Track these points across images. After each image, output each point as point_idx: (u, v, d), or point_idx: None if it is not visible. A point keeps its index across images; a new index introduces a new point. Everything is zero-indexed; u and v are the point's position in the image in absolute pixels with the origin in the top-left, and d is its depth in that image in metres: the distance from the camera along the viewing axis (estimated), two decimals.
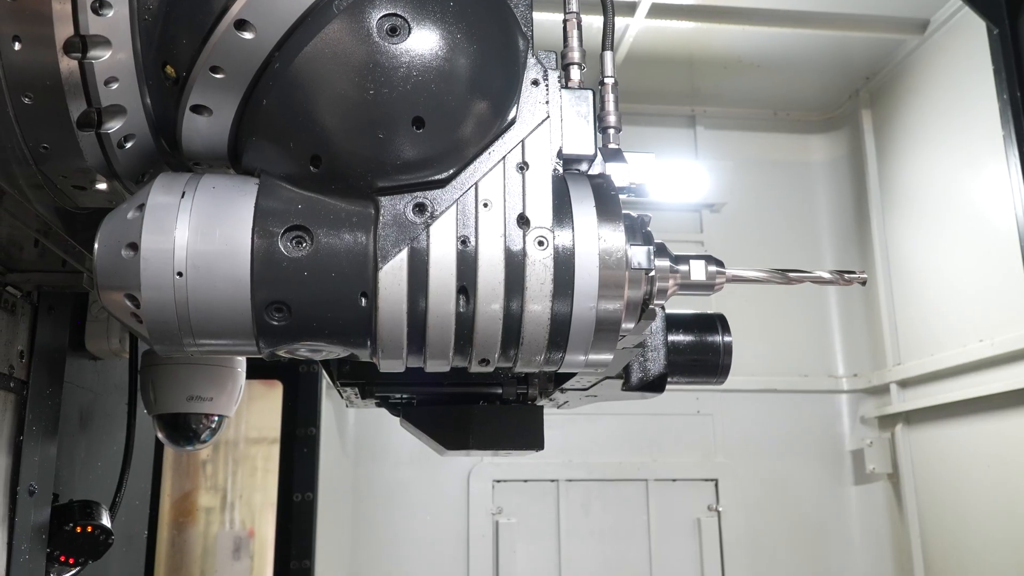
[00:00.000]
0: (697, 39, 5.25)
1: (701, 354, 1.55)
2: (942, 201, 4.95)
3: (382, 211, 1.02)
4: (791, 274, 1.27)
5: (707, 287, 1.21)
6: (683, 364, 1.54)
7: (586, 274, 1.04)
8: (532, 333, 1.05)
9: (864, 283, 1.31)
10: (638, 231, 1.10)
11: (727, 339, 1.56)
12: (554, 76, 1.13)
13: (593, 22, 1.43)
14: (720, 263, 1.22)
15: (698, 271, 1.20)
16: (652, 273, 1.11)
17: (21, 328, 1.79)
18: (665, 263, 1.16)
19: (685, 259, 1.20)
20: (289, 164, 1.05)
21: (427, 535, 5.26)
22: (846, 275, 1.28)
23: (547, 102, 1.11)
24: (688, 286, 1.20)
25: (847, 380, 5.78)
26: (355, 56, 1.01)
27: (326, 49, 1.01)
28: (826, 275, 1.28)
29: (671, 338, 1.54)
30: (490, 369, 1.11)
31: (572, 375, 1.50)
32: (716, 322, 1.57)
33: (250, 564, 4.03)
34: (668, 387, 1.55)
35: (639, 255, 1.06)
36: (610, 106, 1.29)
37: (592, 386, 1.55)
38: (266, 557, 3.77)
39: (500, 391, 1.63)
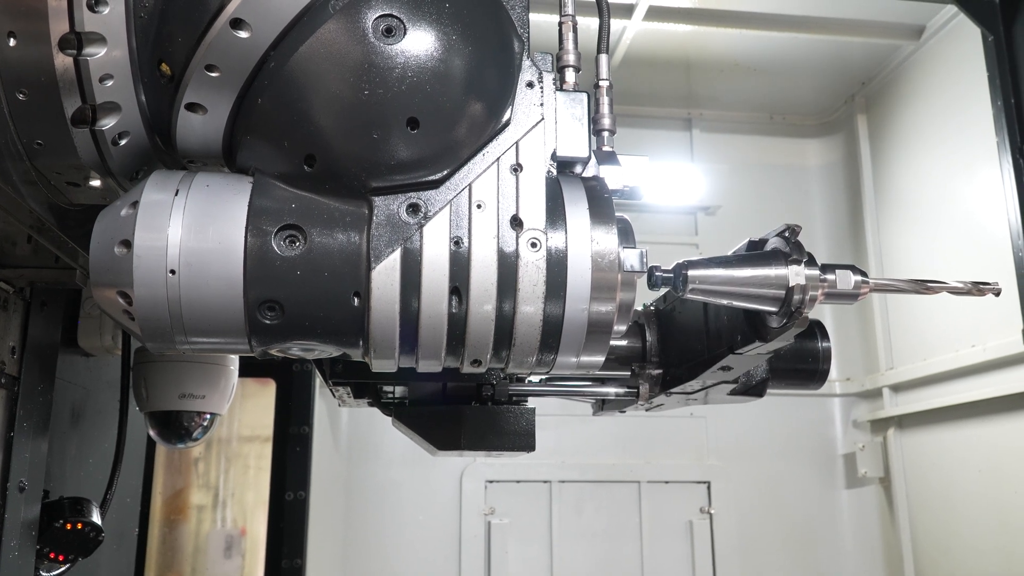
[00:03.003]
0: (694, 42, 5.26)
1: (801, 361, 1.55)
2: (936, 206, 4.96)
3: (376, 211, 1.02)
4: (930, 284, 1.27)
5: (852, 296, 1.20)
6: (784, 370, 1.54)
7: (579, 276, 1.04)
8: (524, 334, 1.06)
9: (998, 294, 1.30)
10: (631, 234, 1.11)
11: (826, 345, 1.55)
12: (549, 78, 1.13)
13: (590, 24, 1.44)
14: (864, 273, 1.21)
15: (844, 281, 1.19)
16: (803, 283, 1.12)
17: (13, 324, 1.79)
18: (815, 272, 1.15)
19: (832, 268, 1.19)
20: (283, 163, 1.05)
21: (419, 535, 5.26)
22: (980, 286, 1.28)
23: (542, 104, 1.12)
24: (834, 295, 1.19)
25: (840, 384, 5.80)
26: (350, 56, 1.01)
27: (322, 49, 1.01)
28: (961, 286, 1.27)
29: None
30: (482, 370, 1.11)
31: (680, 379, 1.51)
32: (815, 329, 1.57)
33: (241, 562, 4.02)
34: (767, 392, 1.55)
35: (631, 258, 1.07)
36: (605, 109, 1.29)
37: (701, 390, 1.55)
38: (258, 555, 3.76)
39: (612, 393, 1.64)
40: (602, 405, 1.77)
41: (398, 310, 1.01)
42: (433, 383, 1.61)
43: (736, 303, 1.18)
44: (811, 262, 1.16)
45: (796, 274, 1.14)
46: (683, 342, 1.55)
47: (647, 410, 1.76)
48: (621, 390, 1.65)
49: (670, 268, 1.18)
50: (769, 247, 1.22)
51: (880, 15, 4.99)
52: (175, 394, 1.96)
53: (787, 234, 1.19)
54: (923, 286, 1.26)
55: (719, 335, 1.39)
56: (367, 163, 1.03)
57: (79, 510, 1.95)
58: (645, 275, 1.13)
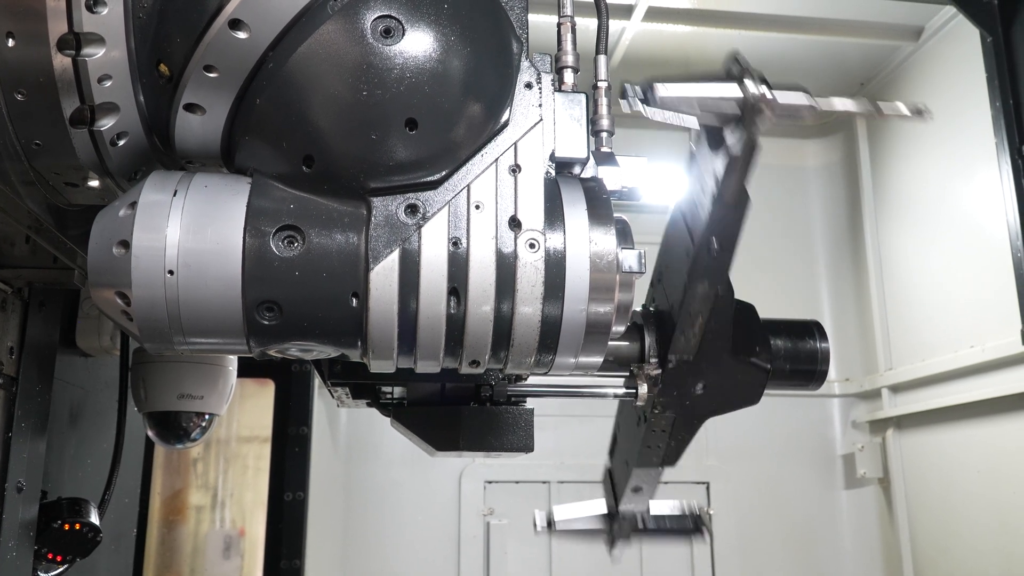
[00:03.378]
0: (693, 43, 5.26)
1: (799, 361, 1.54)
2: (935, 207, 4.96)
3: (374, 212, 1.02)
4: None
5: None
6: (781, 371, 1.53)
7: (577, 277, 1.04)
8: (522, 335, 1.06)
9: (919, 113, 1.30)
10: (629, 235, 1.11)
11: (824, 346, 1.55)
12: (548, 79, 1.13)
13: (589, 25, 1.44)
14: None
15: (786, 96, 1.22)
16: (756, 93, 1.15)
17: (11, 324, 1.79)
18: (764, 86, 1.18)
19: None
20: (282, 164, 1.05)
21: (418, 535, 5.26)
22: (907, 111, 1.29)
23: (540, 105, 1.12)
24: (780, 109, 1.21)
25: (839, 384, 5.80)
26: (349, 57, 1.01)
27: (320, 49, 1.01)
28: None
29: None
30: (480, 371, 1.11)
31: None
32: (813, 329, 1.56)
33: (240, 563, 4.02)
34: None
35: (630, 258, 1.07)
36: (603, 110, 1.29)
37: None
38: (256, 556, 3.76)
39: (612, 394, 1.64)
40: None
41: (396, 311, 1.01)
42: (432, 384, 1.61)
43: (698, 115, 1.20)
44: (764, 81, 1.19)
45: (749, 84, 1.15)
46: None
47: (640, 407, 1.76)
48: (620, 391, 1.65)
49: (637, 82, 1.21)
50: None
51: (879, 16, 4.99)
52: (174, 394, 1.96)
53: (738, 58, 1.21)
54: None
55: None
56: (365, 164, 1.03)
57: (77, 511, 1.94)
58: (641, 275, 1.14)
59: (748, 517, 5.53)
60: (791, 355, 1.54)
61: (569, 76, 1.21)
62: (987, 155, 4.20)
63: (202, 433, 2.03)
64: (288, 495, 3.58)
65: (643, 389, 1.62)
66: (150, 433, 2.02)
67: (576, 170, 1.15)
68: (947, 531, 4.82)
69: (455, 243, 1.03)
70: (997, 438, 4.40)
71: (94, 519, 1.97)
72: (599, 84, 1.32)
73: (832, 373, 5.81)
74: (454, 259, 1.02)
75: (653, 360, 1.61)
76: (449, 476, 5.33)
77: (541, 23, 1.69)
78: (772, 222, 5.97)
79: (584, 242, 1.05)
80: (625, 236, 1.09)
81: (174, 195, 1.02)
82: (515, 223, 1.04)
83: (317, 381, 3.73)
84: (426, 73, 1.02)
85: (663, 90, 1.16)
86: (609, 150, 1.26)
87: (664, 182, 5.57)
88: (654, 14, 4.83)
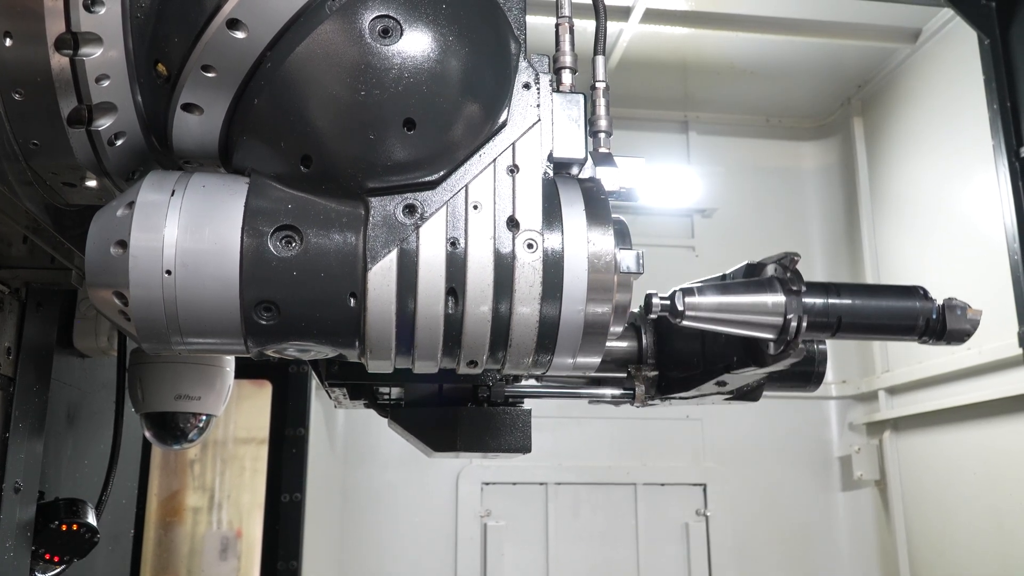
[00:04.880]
0: (690, 45, 5.27)
1: (797, 363, 1.54)
2: (932, 209, 4.97)
3: (372, 212, 1.02)
4: None
5: None
6: (779, 373, 1.53)
7: (575, 277, 1.04)
8: (520, 335, 1.06)
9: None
10: (627, 235, 1.11)
11: (822, 347, 1.55)
12: (546, 80, 1.13)
13: (587, 26, 1.44)
14: None
15: None
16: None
17: (9, 324, 1.78)
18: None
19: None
20: (280, 164, 1.05)
21: (415, 537, 5.25)
22: None
23: (538, 106, 1.12)
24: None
25: (836, 386, 5.80)
26: (347, 57, 1.01)
27: (318, 50, 1.01)
28: None
29: None
30: (478, 371, 1.11)
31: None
32: None
33: (237, 564, 4.01)
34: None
35: (628, 259, 1.07)
36: (601, 110, 1.29)
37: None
38: (253, 557, 3.75)
39: (609, 395, 1.64)
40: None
41: (394, 311, 1.01)
42: (429, 384, 1.61)
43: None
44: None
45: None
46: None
47: (638, 407, 1.76)
48: (617, 391, 1.65)
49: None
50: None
51: (876, 18, 5.00)
52: (171, 395, 1.96)
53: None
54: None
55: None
56: (363, 164, 1.03)
57: (74, 511, 1.94)
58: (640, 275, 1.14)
59: (745, 519, 5.53)
60: None
61: (567, 77, 1.21)
62: (984, 157, 4.21)
63: (199, 434, 2.02)
64: (285, 496, 3.58)
65: (640, 391, 1.62)
66: (147, 434, 2.02)
67: (574, 171, 1.15)
68: (943, 533, 4.82)
69: (453, 243, 1.02)
70: (994, 440, 4.41)
71: (91, 520, 1.97)
72: (597, 85, 1.31)
73: (829, 375, 5.84)
74: (452, 259, 1.02)
75: (651, 361, 1.61)
76: (446, 478, 5.33)
77: (539, 24, 1.69)
78: (770, 223, 5.98)
79: (582, 242, 1.05)
80: (623, 237, 1.09)
81: (172, 195, 1.01)
82: (513, 223, 1.04)
83: (314, 382, 3.72)
84: (424, 73, 1.02)
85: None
86: (607, 151, 1.26)
87: (661, 183, 5.58)
88: (651, 16, 4.84)
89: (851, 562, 5.55)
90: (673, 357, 1.57)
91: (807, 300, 1.15)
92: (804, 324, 1.13)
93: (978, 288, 4.49)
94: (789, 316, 1.13)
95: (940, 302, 1.33)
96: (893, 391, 5.35)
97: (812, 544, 5.58)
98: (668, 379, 1.58)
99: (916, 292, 1.34)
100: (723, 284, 1.21)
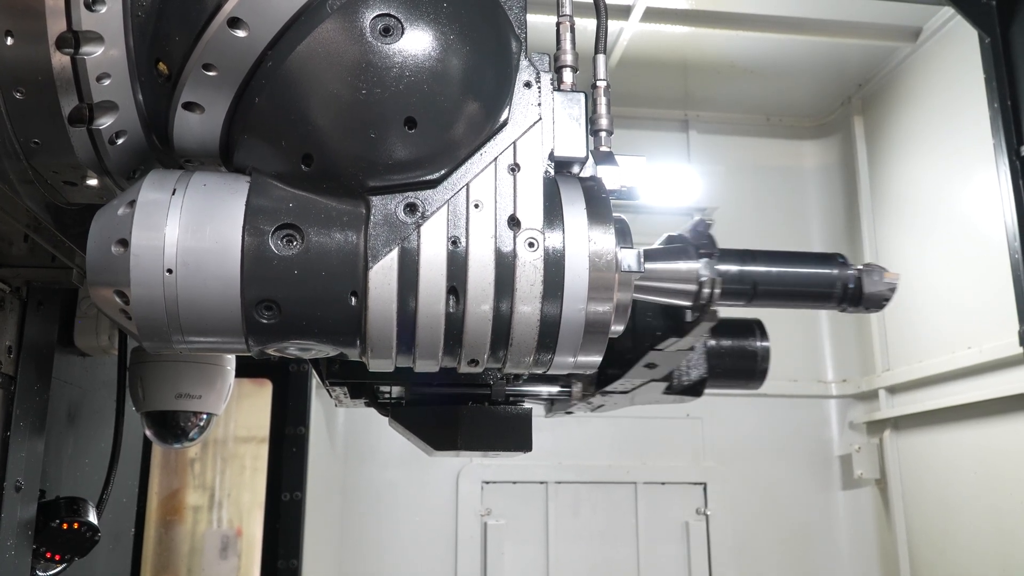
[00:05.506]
0: (691, 43, 5.26)
1: (740, 359, 1.54)
2: (932, 208, 4.97)
3: (373, 211, 1.02)
4: None
5: None
6: (722, 369, 1.54)
7: (576, 276, 1.04)
8: (521, 334, 1.06)
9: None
10: (628, 234, 1.11)
11: (764, 344, 1.55)
12: (547, 79, 1.13)
13: (587, 25, 1.44)
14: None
15: None
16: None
17: (9, 323, 1.78)
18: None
19: None
20: (281, 162, 1.05)
21: (415, 536, 5.25)
22: None
23: (539, 104, 1.12)
24: None
25: (836, 385, 5.80)
26: (348, 56, 1.01)
27: (319, 48, 1.01)
28: None
29: (709, 343, 1.53)
30: (479, 370, 1.11)
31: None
32: (754, 327, 1.56)
33: (237, 563, 4.02)
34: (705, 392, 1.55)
35: (629, 258, 1.07)
36: (602, 109, 1.29)
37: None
38: (253, 556, 3.75)
39: (546, 393, 1.63)
40: (552, 405, 1.77)
41: (395, 310, 1.01)
42: (429, 383, 1.61)
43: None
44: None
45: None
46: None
47: (592, 410, 1.76)
48: (554, 389, 1.65)
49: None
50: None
51: (877, 17, 5.00)
52: (171, 394, 1.96)
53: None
54: None
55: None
56: (364, 163, 1.03)
57: (75, 510, 1.94)
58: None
59: (745, 518, 5.54)
60: (730, 353, 1.54)
61: (568, 75, 1.21)
62: (985, 156, 4.21)
63: (200, 433, 2.02)
64: (285, 495, 3.58)
65: (577, 388, 1.62)
66: (148, 433, 2.02)
67: (575, 169, 1.15)
68: (944, 532, 4.82)
69: (454, 242, 1.03)
70: (994, 439, 4.41)
71: (92, 518, 1.97)
72: (598, 84, 1.31)
73: (829, 374, 5.84)
74: (453, 258, 1.02)
75: None
76: (446, 476, 5.33)
77: (539, 23, 1.69)
78: (770, 222, 5.98)
79: (583, 241, 1.05)
80: (624, 235, 1.09)
81: (173, 194, 1.01)
82: (514, 222, 1.04)
83: (315, 381, 3.73)
84: (425, 72, 1.02)
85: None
86: (608, 149, 1.26)
87: (662, 182, 5.58)
88: (652, 14, 4.84)
89: (851, 561, 5.56)
90: (610, 353, 1.57)
91: (721, 267, 1.15)
92: (718, 290, 1.13)
93: (978, 287, 4.50)
94: (702, 280, 1.13)
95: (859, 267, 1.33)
96: (893, 390, 5.35)
97: (812, 543, 5.58)
98: (605, 374, 1.57)
99: (834, 259, 1.34)
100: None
